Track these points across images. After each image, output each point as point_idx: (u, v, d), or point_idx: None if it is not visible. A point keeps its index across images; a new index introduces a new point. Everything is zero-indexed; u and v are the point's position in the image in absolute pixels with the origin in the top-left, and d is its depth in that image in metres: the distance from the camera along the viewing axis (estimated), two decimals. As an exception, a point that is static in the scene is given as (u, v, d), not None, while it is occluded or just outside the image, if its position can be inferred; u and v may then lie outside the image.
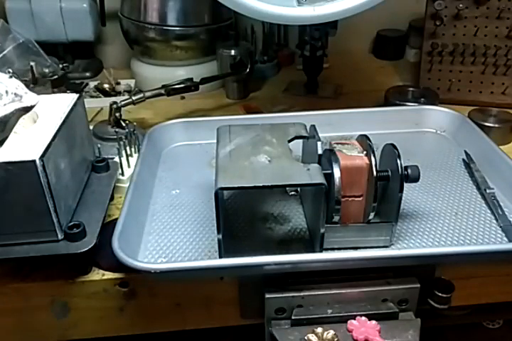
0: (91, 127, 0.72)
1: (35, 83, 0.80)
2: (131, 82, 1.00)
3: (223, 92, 0.99)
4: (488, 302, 0.60)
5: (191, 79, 0.83)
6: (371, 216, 0.53)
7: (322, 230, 0.51)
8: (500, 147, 0.67)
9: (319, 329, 0.48)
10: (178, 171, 0.70)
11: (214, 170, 0.51)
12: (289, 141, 0.56)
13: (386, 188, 0.54)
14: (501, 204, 0.60)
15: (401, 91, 0.87)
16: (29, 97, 0.50)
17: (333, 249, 0.54)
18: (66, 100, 0.59)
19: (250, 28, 1.07)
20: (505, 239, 0.55)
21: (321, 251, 0.53)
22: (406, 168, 0.52)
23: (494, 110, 0.80)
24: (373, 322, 0.49)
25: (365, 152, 0.54)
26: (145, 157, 0.66)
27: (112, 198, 0.63)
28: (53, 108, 0.57)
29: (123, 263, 0.47)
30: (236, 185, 0.48)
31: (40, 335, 0.55)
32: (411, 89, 0.87)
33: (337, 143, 0.56)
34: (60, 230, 0.50)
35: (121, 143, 0.69)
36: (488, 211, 0.60)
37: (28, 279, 0.53)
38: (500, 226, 0.57)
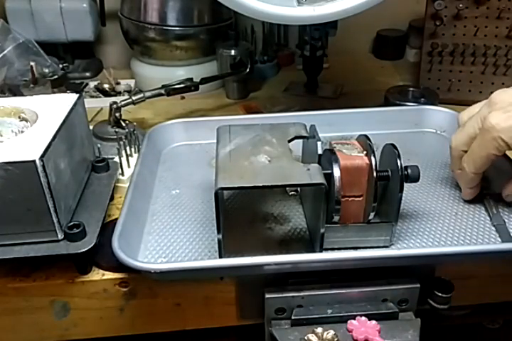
0: (91, 127, 0.72)
1: (35, 83, 0.80)
2: (131, 82, 1.00)
3: (223, 92, 0.99)
4: (488, 302, 0.60)
5: (191, 79, 0.83)
6: (371, 216, 0.53)
7: (322, 230, 0.51)
8: (500, 147, 0.67)
9: (319, 329, 0.48)
10: (178, 171, 0.70)
11: (214, 170, 0.51)
12: (289, 141, 0.56)
13: (386, 188, 0.54)
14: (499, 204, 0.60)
15: (401, 91, 0.87)
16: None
17: (333, 249, 0.54)
18: (66, 100, 0.59)
19: (250, 28, 1.07)
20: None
21: (321, 251, 0.53)
22: (406, 168, 0.52)
23: (494, 110, 0.80)
24: (373, 322, 0.49)
25: (365, 152, 0.54)
26: (145, 157, 0.66)
27: (111, 198, 0.63)
28: (53, 108, 0.57)
29: (123, 263, 0.47)
30: (236, 185, 0.48)
31: (40, 335, 0.55)
32: (411, 89, 0.87)
33: (337, 143, 0.56)
34: (60, 230, 0.50)
35: (121, 143, 0.69)
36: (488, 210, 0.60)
37: (28, 279, 0.53)
38: (494, 225, 0.57)
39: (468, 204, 0.61)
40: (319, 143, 0.53)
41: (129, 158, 0.70)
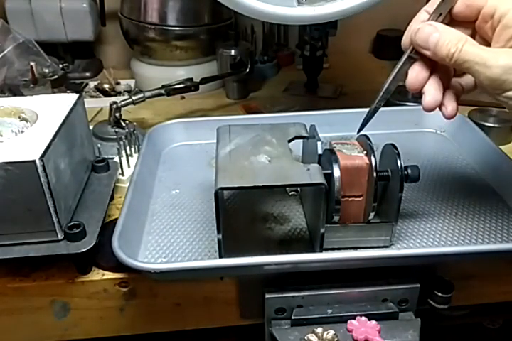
0: (91, 127, 0.72)
1: (35, 83, 0.80)
2: (131, 82, 1.00)
3: (223, 92, 0.99)
4: (488, 302, 0.60)
5: (191, 79, 0.83)
6: (371, 216, 0.53)
7: (322, 230, 0.51)
8: (500, 147, 0.67)
9: (319, 329, 0.48)
10: (178, 171, 0.70)
11: (214, 170, 0.51)
12: (289, 141, 0.56)
13: (386, 188, 0.54)
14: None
15: (401, 91, 0.87)
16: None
17: (333, 249, 0.54)
18: (66, 100, 0.59)
19: (250, 28, 1.07)
20: (505, 238, 0.55)
21: (321, 251, 0.53)
22: (406, 168, 0.52)
23: (494, 110, 0.80)
24: (373, 322, 0.49)
25: (365, 152, 0.54)
26: (145, 157, 0.66)
27: (111, 198, 0.63)
28: (53, 108, 0.57)
29: (123, 263, 0.47)
30: (236, 185, 0.48)
31: (40, 335, 0.55)
32: (411, 89, 0.87)
33: (337, 143, 0.56)
34: (60, 230, 0.50)
35: (121, 143, 0.69)
36: (488, 210, 0.60)
37: (28, 279, 0.53)
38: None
39: (468, 204, 0.61)
40: (319, 143, 0.53)
41: (129, 158, 0.70)
